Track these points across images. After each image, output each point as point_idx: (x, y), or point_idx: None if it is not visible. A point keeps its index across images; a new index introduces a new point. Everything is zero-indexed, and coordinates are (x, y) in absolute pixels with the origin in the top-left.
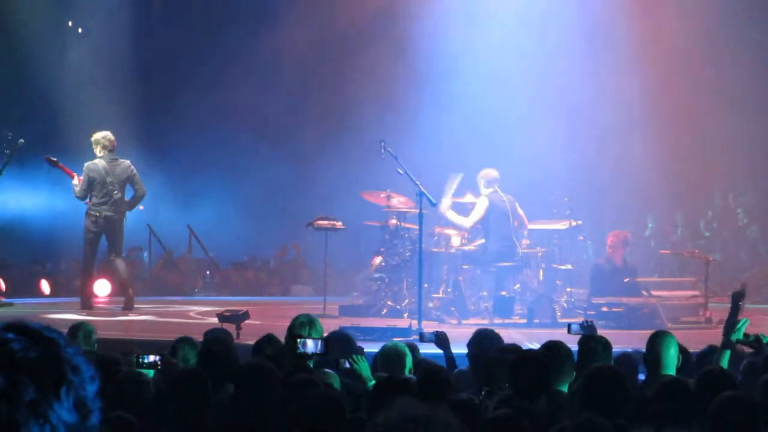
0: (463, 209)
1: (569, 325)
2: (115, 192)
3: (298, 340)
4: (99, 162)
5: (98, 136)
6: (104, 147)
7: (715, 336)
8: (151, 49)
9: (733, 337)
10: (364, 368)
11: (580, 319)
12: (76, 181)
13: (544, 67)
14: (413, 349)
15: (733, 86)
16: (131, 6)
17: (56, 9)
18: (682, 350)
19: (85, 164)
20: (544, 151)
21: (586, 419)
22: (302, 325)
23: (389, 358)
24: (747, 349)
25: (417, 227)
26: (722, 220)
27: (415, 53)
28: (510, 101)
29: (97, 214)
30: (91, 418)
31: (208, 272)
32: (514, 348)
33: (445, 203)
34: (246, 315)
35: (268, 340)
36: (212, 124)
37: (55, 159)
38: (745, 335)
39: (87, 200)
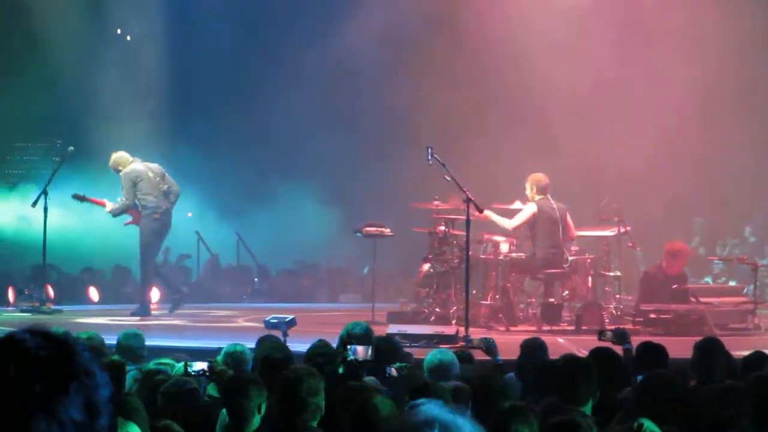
0: (511, 216)
1: (600, 332)
2: (163, 185)
3: (348, 347)
4: (135, 164)
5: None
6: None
7: (763, 342)
8: (196, 56)
9: None
10: None
11: (614, 327)
12: (109, 207)
13: (593, 67)
14: (468, 359)
15: None
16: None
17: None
18: (728, 356)
19: (122, 173)
20: (594, 155)
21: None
22: (354, 333)
23: (436, 367)
24: None
25: (465, 234)
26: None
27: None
28: (563, 105)
29: (160, 210)
30: (101, 420)
31: (256, 279)
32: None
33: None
34: (293, 321)
35: (321, 347)
36: (248, 136)
37: (82, 195)
38: None
39: (136, 207)
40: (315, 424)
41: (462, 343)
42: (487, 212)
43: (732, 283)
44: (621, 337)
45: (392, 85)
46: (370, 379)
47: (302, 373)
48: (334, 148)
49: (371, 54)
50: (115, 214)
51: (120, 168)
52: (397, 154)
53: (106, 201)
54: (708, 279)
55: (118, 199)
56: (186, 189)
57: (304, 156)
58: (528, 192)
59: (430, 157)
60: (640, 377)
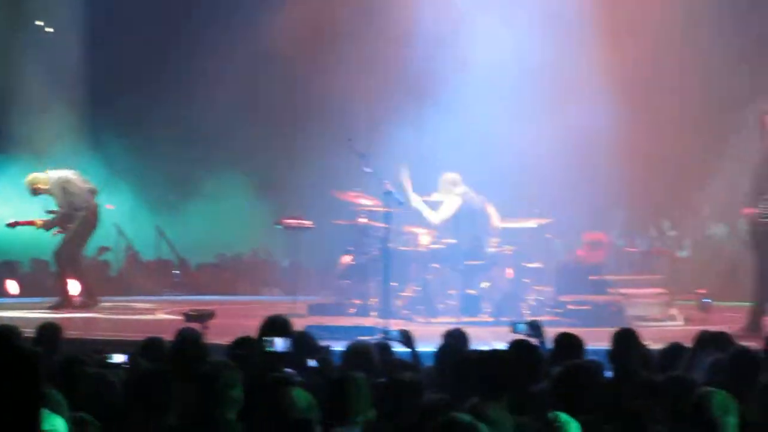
0: (432, 207)
1: (514, 325)
2: (86, 183)
3: (265, 339)
4: (51, 173)
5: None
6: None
7: (680, 333)
8: (120, 47)
9: None
10: None
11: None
12: (40, 222)
13: (519, 63)
14: (385, 349)
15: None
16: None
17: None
18: (644, 347)
19: (51, 184)
20: (515, 149)
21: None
22: (273, 325)
23: (355, 356)
24: None
25: (385, 226)
26: (689, 218)
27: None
28: (485, 100)
29: (90, 208)
30: None
31: (177, 272)
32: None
33: (414, 197)
34: (212, 314)
35: (241, 339)
36: (175, 128)
37: (13, 222)
38: None
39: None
40: (233, 416)
41: (381, 335)
42: (416, 203)
43: (650, 275)
44: (535, 329)
45: (316, 74)
46: (288, 371)
47: (219, 365)
48: (257, 139)
49: (296, 43)
50: (50, 227)
51: (40, 186)
52: (319, 145)
53: (36, 220)
54: (626, 270)
55: (52, 211)
56: (110, 182)
57: (228, 148)
58: (444, 187)
59: (350, 149)
60: (556, 368)
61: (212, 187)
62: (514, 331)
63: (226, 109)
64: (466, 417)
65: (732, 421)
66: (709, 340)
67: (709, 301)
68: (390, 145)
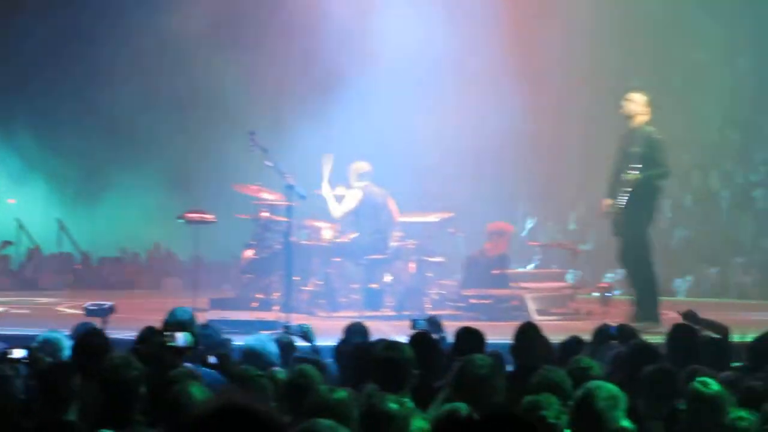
0: (338, 201)
1: (413, 321)
2: None
3: (166, 333)
4: None
5: None
6: None
7: (581, 327)
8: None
9: None
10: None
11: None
12: None
13: (425, 55)
14: (289, 345)
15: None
16: None
17: None
18: (545, 341)
19: None
20: (419, 141)
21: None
22: (176, 320)
23: (254, 354)
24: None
25: (287, 220)
26: (595, 211)
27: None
28: (391, 92)
29: None
30: None
31: (78, 267)
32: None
33: (325, 187)
34: (112, 309)
35: (144, 334)
36: (84, 121)
37: None
38: None
39: None
40: (135, 411)
41: (281, 330)
42: (325, 192)
43: (552, 269)
44: (434, 325)
45: (220, 66)
46: (188, 366)
47: (121, 361)
48: (163, 133)
49: (199, 33)
50: None
51: None
52: (223, 138)
53: None
54: (531, 265)
55: None
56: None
57: (132, 141)
58: (351, 179)
59: (252, 144)
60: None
61: (118, 180)
62: (414, 327)
63: (132, 101)
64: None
65: (619, 414)
66: (607, 334)
67: (611, 294)
68: (293, 139)
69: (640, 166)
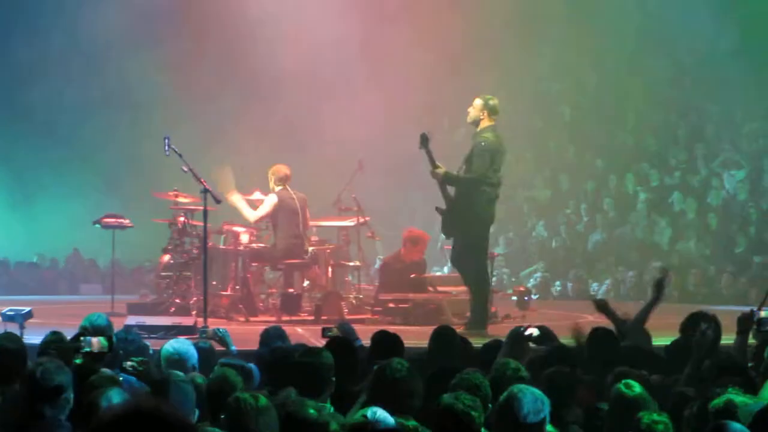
0: (252, 206)
1: (324, 329)
2: None
3: (81, 338)
4: None
5: None
6: None
7: (499, 329)
8: None
9: None
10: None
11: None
12: None
13: (338, 49)
14: (208, 351)
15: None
16: None
17: None
18: (465, 342)
19: None
20: (335, 144)
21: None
22: (93, 324)
23: (173, 359)
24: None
25: (204, 224)
26: (511, 214)
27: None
28: (304, 91)
29: None
30: None
31: None
32: (300, 347)
33: (232, 195)
34: (30, 314)
35: (56, 338)
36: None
37: None
38: None
39: None
40: (64, 417)
41: (197, 336)
42: (234, 198)
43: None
44: (347, 332)
45: (136, 67)
46: (107, 372)
47: (51, 366)
48: (80, 136)
49: (113, 33)
50: None
51: None
52: (139, 142)
53: None
54: (446, 269)
55: None
56: None
57: (55, 145)
58: (270, 183)
59: (167, 148)
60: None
61: (41, 185)
62: (324, 335)
63: (51, 104)
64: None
65: (542, 417)
66: (522, 336)
67: (527, 298)
68: (209, 142)
69: (463, 167)
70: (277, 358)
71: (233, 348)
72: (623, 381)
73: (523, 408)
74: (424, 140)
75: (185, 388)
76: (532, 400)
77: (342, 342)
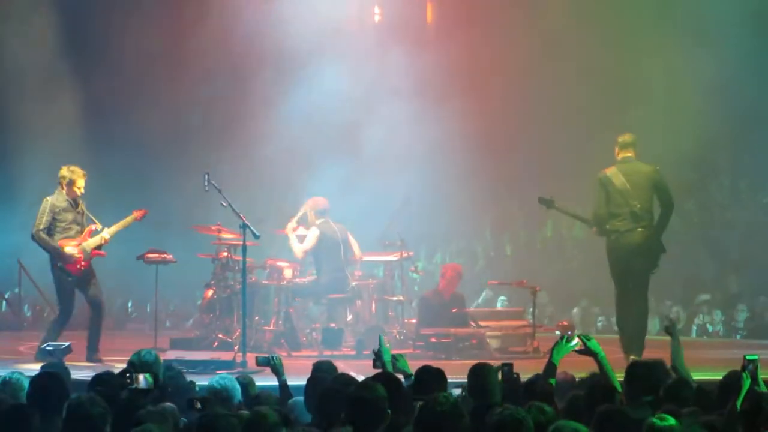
0: (299, 241)
1: (376, 359)
2: None
3: (127, 375)
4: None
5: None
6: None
7: (542, 365)
8: None
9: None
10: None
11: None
12: None
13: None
14: (248, 384)
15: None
16: None
17: None
18: (507, 379)
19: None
20: (381, 178)
21: None
22: (141, 360)
23: (217, 393)
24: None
25: (246, 259)
26: (552, 250)
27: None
28: (347, 126)
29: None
30: None
31: (38, 307)
32: (350, 380)
33: (290, 225)
34: (69, 348)
35: (104, 374)
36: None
37: None
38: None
39: None
40: None
41: (240, 369)
42: (288, 232)
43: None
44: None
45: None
46: (169, 407)
47: (86, 399)
48: (117, 169)
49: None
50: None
51: None
52: (180, 177)
53: None
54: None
55: None
56: None
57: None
58: (309, 217)
59: (206, 183)
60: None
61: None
62: (375, 365)
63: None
64: None
65: None
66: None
67: (570, 333)
68: (246, 177)
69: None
70: (330, 392)
71: (284, 377)
72: (659, 414)
73: None
74: (547, 202)
75: (232, 422)
76: None
77: (388, 377)
